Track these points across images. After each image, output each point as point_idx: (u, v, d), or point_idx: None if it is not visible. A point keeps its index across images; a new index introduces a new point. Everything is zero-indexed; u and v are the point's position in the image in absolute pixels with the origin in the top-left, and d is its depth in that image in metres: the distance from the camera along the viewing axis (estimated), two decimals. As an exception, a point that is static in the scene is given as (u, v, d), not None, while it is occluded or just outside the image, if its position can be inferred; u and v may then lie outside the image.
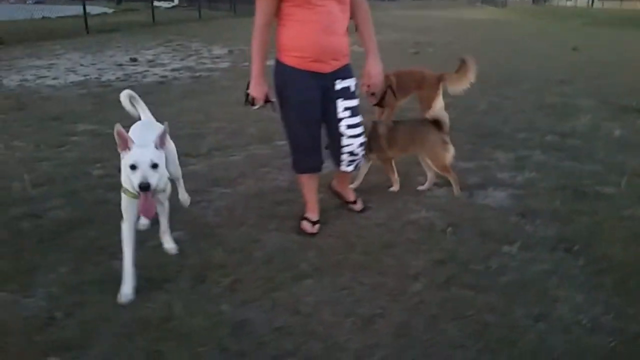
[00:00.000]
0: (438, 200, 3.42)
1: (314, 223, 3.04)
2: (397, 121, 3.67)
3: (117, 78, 8.28)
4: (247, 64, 9.73)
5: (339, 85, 2.78)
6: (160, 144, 2.25)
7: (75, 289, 2.49)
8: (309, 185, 3.05)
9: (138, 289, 2.40)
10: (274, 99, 2.74)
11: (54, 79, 8.44)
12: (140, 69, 9.09)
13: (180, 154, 4.46)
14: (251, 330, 2.18)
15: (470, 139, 4.76)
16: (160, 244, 2.79)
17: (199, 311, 2.30)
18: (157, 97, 6.77)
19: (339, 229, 3.06)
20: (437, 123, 3.43)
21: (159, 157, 2.19)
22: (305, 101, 2.76)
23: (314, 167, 2.98)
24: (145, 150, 2.17)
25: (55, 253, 2.82)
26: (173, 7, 30.53)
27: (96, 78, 8.34)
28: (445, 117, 3.44)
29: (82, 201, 3.49)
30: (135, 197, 2.27)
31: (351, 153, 2.92)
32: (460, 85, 4.76)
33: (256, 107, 2.82)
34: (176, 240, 2.81)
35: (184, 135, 5.00)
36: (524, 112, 6.01)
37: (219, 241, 2.92)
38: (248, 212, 3.32)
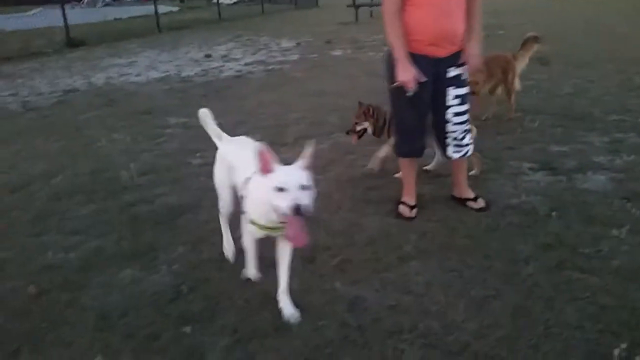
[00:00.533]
0: (537, 184, 3.36)
1: (411, 207, 3.09)
2: None
3: (196, 74, 8.63)
4: (315, 55, 9.88)
5: (452, 72, 2.80)
6: (308, 164, 1.97)
7: (196, 267, 2.68)
8: (409, 169, 3.09)
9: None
10: (423, 79, 2.74)
11: (136, 75, 8.91)
12: (215, 64, 9.43)
13: (267, 143, 4.69)
14: (366, 307, 2.27)
15: (560, 122, 4.62)
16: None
17: (314, 288, 2.42)
18: (236, 90, 7.02)
19: (438, 213, 3.08)
20: None
21: (308, 178, 1.91)
22: (418, 86, 2.76)
23: (416, 152, 3.03)
24: (293, 170, 1.94)
25: (172, 234, 3.04)
26: (235, 3, 31.17)
27: (176, 74, 8.73)
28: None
29: (187, 188, 3.72)
30: (266, 229, 2.10)
31: (455, 138, 2.94)
32: (524, 63, 4.83)
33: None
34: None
35: (268, 125, 5.18)
36: (613, 94, 5.74)
37: (321, 224, 3.03)
38: (343, 197, 3.41)
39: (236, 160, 2.39)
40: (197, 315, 2.31)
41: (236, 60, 9.77)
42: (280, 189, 1.83)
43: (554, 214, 2.95)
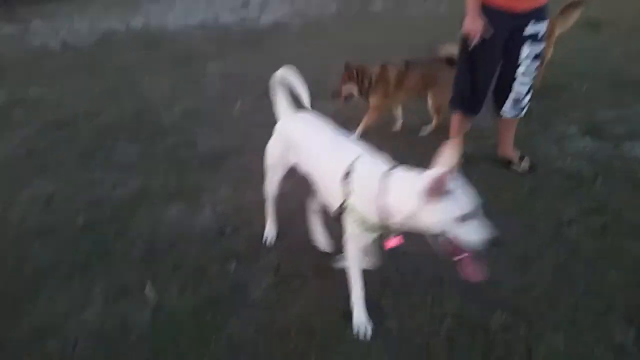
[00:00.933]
0: (583, 149, 3.29)
1: (453, 165, 3.06)
2: (409, 62, 3.57)
3: (233, 22, 8.54)
4: (353, 8, 9.61)
5: (530, 29, 2.67)
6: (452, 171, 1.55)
7: (238, 208, 2.75)
8: (458, 125, 3.05)
9: (298, 212, 2.58)
10: (488, 33, 2.65)
11: (174, 20, 8.87)
12: (252, 13, 9.30)
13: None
14: (406, 257, 2.30)
15: (609, 88, 4.45)
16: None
17: (355, 236, 2.45)
18: (273, 41, 6.94)
19: (480, 172, 3.05)
20: (450, 61, 3.29)
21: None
22: (489, 41, 2.67)
23: (467, 108, 2.98)
24: (465, 187, 1.57)
25: (215, 176, 3.12)
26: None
27: (213, 21, 8.67)
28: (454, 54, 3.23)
29: (228, 132, 3.76)
30: (374, 231, 1.80)
31: (517, 99, 2.86)
32: (564, 28, 4.51)
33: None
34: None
35: (308, 77, 5.09)
36: (667, 62, 5.47)
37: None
38: (385, 152, 3.39)
39: (321, 146, 2.01)
40: (241, 254, 2.39)
41: (273, 10, 9.61)
42: (465, 217, 1.52)
43: (599, 179, 2.89)
